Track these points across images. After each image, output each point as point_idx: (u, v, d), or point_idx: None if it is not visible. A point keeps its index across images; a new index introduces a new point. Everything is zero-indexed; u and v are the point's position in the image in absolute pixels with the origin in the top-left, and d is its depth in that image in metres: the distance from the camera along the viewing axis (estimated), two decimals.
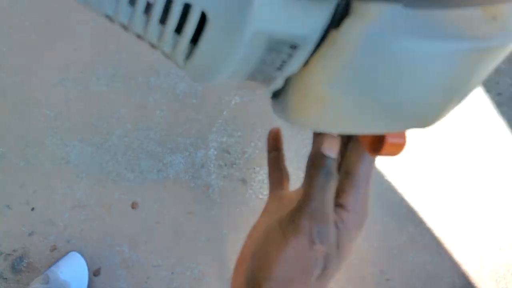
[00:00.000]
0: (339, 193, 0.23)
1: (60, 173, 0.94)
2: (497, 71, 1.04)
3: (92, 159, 0.95)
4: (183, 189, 0.95)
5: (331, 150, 0.23)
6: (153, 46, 0.16)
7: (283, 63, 0.16)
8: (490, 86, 1.03)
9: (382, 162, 0.99)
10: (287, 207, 0.24)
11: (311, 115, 0.17)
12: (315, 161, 0.23)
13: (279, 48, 0.15)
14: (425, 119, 0.18)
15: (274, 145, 0.30)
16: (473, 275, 0.97)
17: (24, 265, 0.91)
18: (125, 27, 0.15)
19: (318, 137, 0.23)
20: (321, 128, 0.19)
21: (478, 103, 1.03)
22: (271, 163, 0.30)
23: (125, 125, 0.97)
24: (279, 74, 0.17)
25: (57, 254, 0.91)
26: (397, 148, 0.21)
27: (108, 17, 0.15)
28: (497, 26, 0.14)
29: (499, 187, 1.00)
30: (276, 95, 0.19)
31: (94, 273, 0.91)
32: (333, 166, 0.22)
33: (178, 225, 0.94)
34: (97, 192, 0.94)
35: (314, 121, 0.18)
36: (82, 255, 0.90)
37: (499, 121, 1.02)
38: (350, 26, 0.14)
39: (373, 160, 0.24)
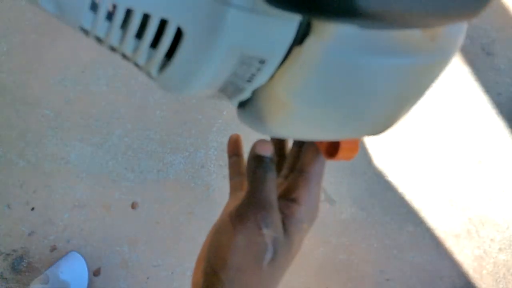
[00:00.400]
0: (292, 189, 0.25)
1: (60, 173, 0.94)
2: (497, 71, 1.04)
3: (92, 159, 0.95)
4: (183, 189, 0.95)
5: (264, 150, 0.25)
6: (125, 58, 0.17)
7: (252, 76, 0.17)
8: (490, 86, 1.03)
9: (382, 162, 0.99)
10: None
11: (275, 123, 0.19)
12: (254, 160, 0.25)
13: (249, 62, 0.16)
14: (378, 127, 0.20)
15: (235, 150, 0.32)
16: (473, 275, 0.97)
17: (24, 265, 0.91)
18: (100, 40, 0.16)
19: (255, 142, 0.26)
20: (284, 136, 0.21)
21: (478, 103, 1.03)
22: (232, 167, 0.32)
23: (125, 125, 0.97)
24: (248, 86, 0.18)
25: (57, 254, 0.91)
26: (351, 153, 0.23)
27: (83, 30, 0.15)
28: (435, 46, 0.17)
29: (498, 188, 1.00)
30: (243, 104, 0.20)
31: (94, 273, 0.91)
32: (270, 162, 0.24)
33: (178, 225, 0.94)
34: (97, 192, 0.94)
35: (278, 129, 0.19)
36: (82, 255, 0.90)
37: (499, 121, 1.02)
38: (311, 43, 0.15)
39: (325, 161, 0.26)
